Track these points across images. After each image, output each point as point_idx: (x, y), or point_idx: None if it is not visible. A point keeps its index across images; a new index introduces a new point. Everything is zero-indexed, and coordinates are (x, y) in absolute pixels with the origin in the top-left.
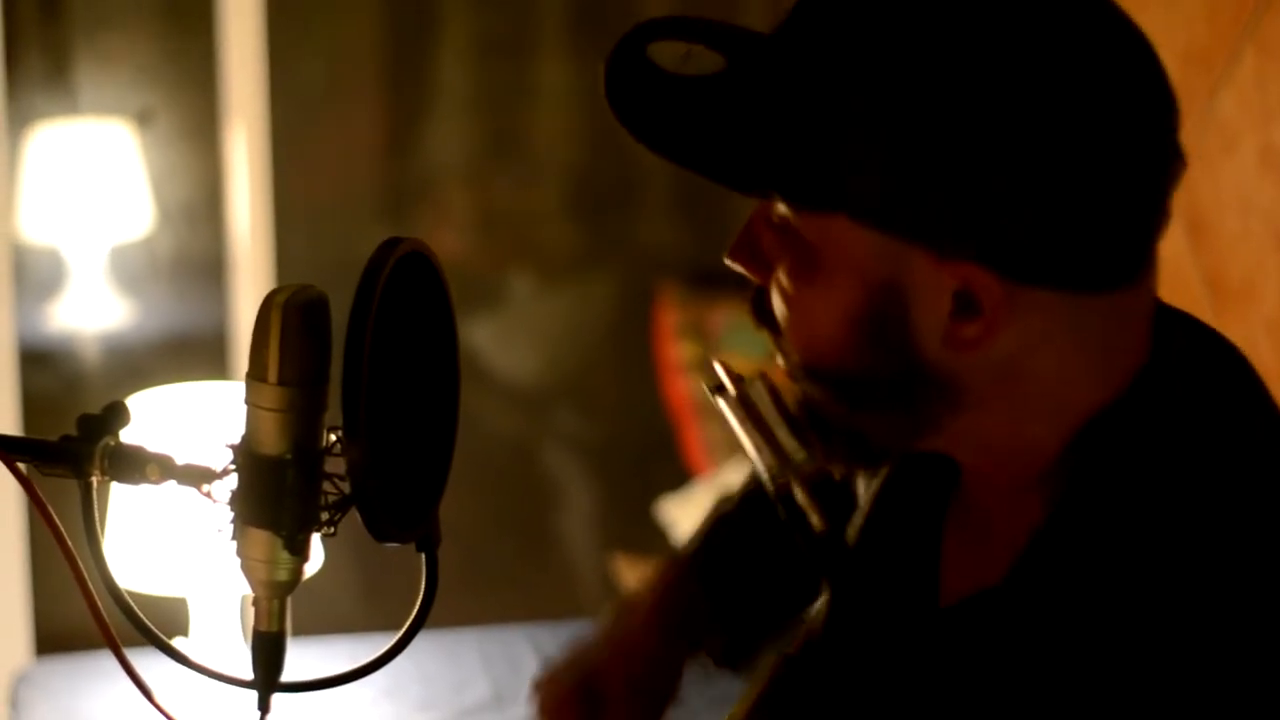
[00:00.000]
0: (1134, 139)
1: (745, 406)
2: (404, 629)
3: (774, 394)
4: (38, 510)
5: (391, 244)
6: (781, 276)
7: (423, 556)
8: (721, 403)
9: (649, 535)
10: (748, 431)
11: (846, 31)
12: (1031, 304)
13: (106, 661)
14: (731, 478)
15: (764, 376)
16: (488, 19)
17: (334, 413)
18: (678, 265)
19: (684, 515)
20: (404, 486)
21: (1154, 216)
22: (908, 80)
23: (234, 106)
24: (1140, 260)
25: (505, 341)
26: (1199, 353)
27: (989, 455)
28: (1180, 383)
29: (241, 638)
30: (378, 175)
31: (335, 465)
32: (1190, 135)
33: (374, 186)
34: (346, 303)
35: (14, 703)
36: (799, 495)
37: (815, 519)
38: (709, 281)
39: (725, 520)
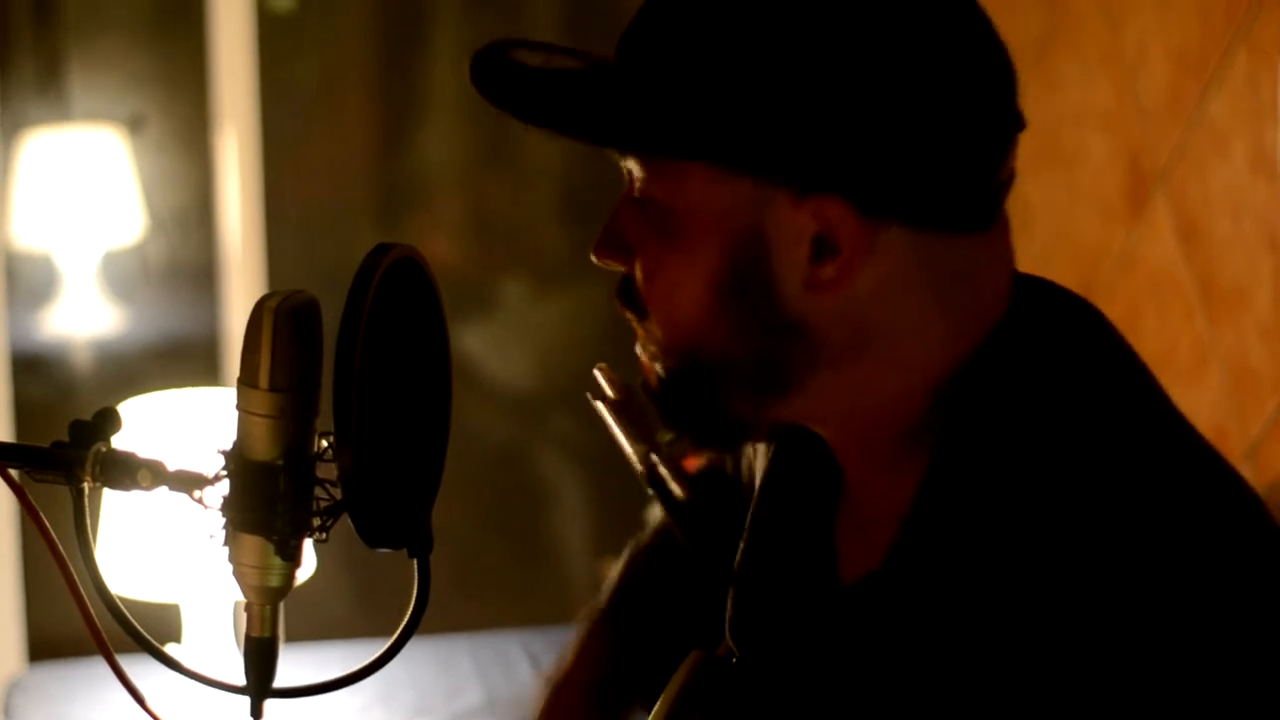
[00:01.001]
0: (977, 83)
1: (623, 409)
2: (396, 635)
3: (648, 391)
4: (30, 516)
5: (382, 250)
6: (644, 255)
7: (415, 562)
8: (600, 407)
9: None
10: (621, 429)
11: None
12: (885, 245)
13: (100, 668)
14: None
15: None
16: (479, 24)
17: (325, 418)
18: None
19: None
20: (396, 492)
21: (996, 163)
22: (756, 11)
23: (225, 112)
24: (987, 207)
25: (498, 347)
26: (1057, 310)
27: (853, 419)
28: (1038, 338)
29: (234, 643)
30: (370, 181)
31: (327, 471)
32: (1182, 137)
33: (366, 192)
34: (338, 309)
35: (7, 710)
36: (662, 470)
37: (676, 489)
38: None
39: (640, 556)
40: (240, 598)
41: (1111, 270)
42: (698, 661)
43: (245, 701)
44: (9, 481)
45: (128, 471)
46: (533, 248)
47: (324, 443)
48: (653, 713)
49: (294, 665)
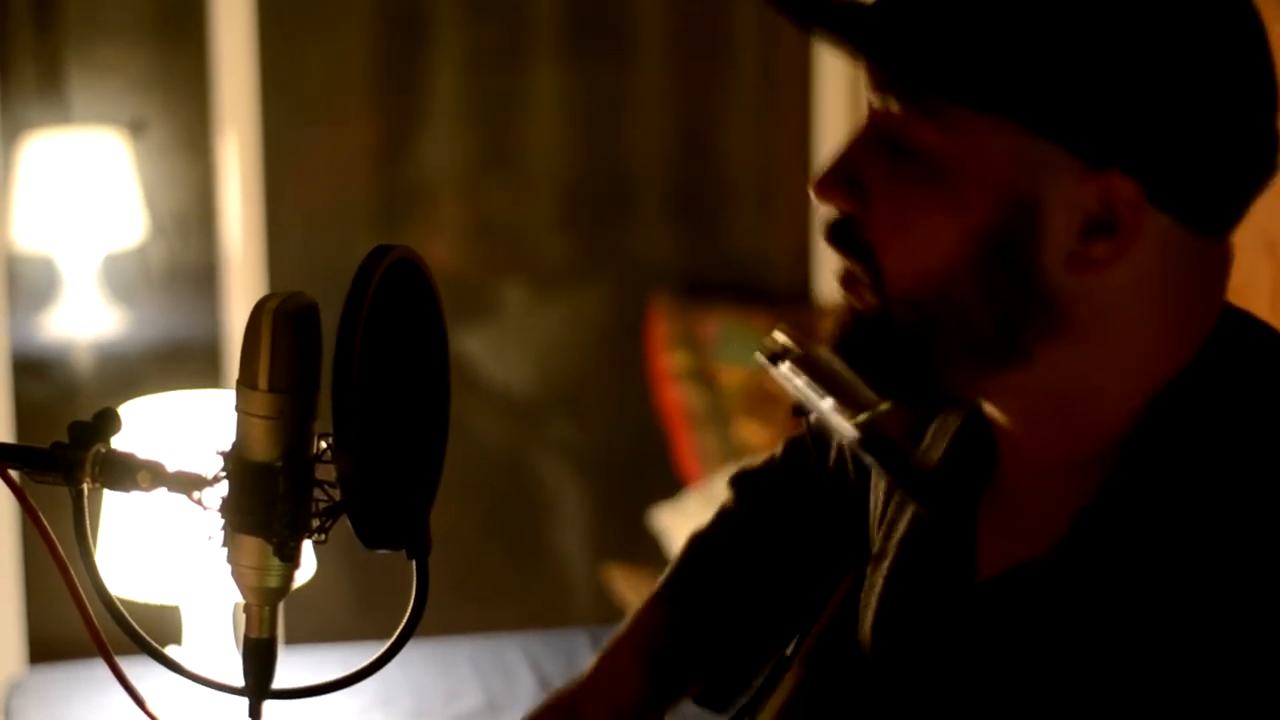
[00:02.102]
0: (1266, 92)
1: (812, 366)
2: (394, 636)
3: (838, 353)
4: (30, 517)
5: (381, 252)
6: (893, 200)
7: (413, 564)
8: (785, 368)
9: (641, 544)
10: (822, 388)
11: None
12: (1154, 233)
13: (100, 670)
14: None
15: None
16: (481, 29)
17: (324, 420)
18: (670, 275)
19: (676, 524)
20: (394, 494)
21: (1266, 166)
22: None
23: (226, 116)
24: (1242, 209)
25: (498, 351)
26: (1267, 339)
27: (1053, 412)
28: (1247, 366)
29: (235, 645)
30: (371, 185)
31: (326, 472)
32: None
33: (367, 196)
34: (339, 311)
35: (8, 712)
36: (891, 442)
37: (915, 457)
38: (701, 291)
39: (701, 542)
40: (239, 599)
41: None
42: (803, 675)
43: (244, 703)
44: (8, 482)
45: (127, 472)
46: (533, 252)
47: (323, 444)
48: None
49: (293, 667)
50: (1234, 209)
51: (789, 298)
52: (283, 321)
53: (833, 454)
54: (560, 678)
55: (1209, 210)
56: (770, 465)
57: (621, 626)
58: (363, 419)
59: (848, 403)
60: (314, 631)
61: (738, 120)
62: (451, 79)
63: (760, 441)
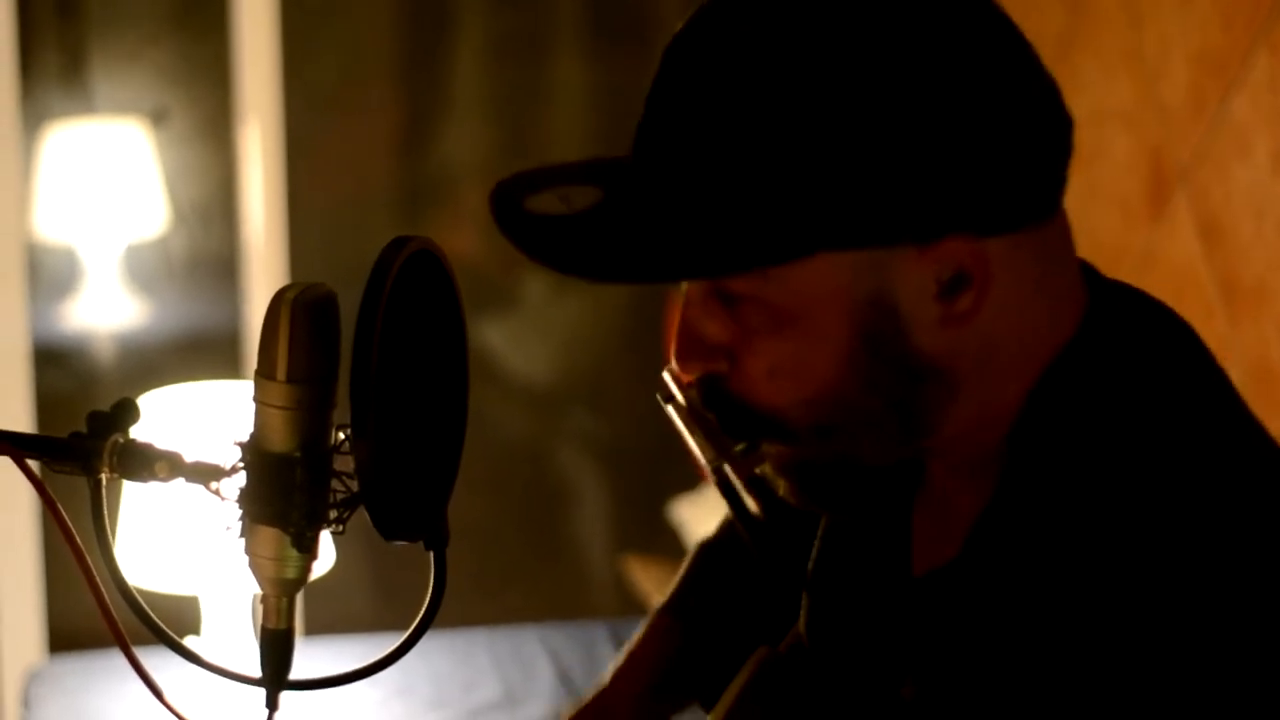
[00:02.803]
0: (1039, 83)
1: (692, 413)
2: (412, 628)
3: (712, 397)
4: (47, 507)
5: (400, 243)
6: (752, 353)
7: (431, 555)
8: (670, 410)
9: (660, 536)
10: (691, 432)
11: (733, 88)
12: (1000, 257)
13: (119, 660)
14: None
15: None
16: (503, 18)
17: (342, 410)
18: None
19: (695, 516)
20: (412, 485)
21: (1067, 154)
22: (829, 96)
23: (248, 106)
24: (1063, 185)
25: (518, 342)
26: (1142, 316)
27: (966, 434)
28: (1122, 343)
29: (254, 636)
30: (392, 175)
31: (344, 463)
32: (1203, 138)
33: (388, 186)
34: (358, 302)
35: (26, 701)
36: (736, 482)
37: (752, 504)
38: None
39: (708, 550)
40: (257, 590)
41: (1132, 269)
42: (763, 658)
43: (263, 693)
44: (27, 473)
45: (145, 463)
46: None
47: (341, 435)
48: (717, 706)
49: (313, 658)
50: (1056, 191)
51: None
52: (301, 312)
53: None
54: (578, 669)
55: (1035, 209)
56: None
57: (633, 639)
58: (381, 410)
59: (713, 444)
60: (334, 622)
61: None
62: (473, 69)
63: None
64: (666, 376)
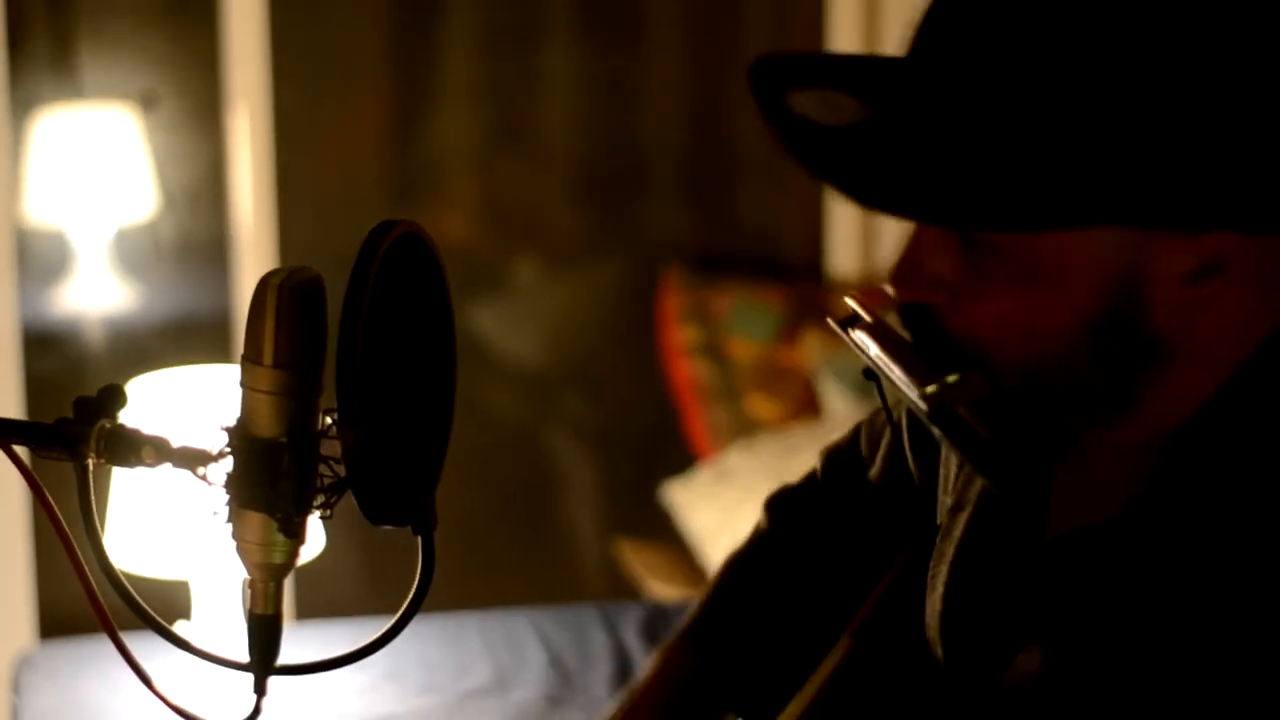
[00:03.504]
0: None
1: (883, 335)
2: (400, 612)
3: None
4: (34, 493)
5: (386, 227)
6: (982, 297)
7: (419, 540)
8: (860, 334)
9: (652, 519)
10: (896, 358)
11: (1039, 38)
12: (1249, 253)
13: (110, 645)
14: (734, 463)
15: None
16: (494, 5)
17: (330, 395)
18: (682, 251)
19: (687, 499)
20: (400, 470)
21: None
22: (1145, 70)
23: (238, 91)
24: None
25: (510, 327)
26: None
27: (1154, 411)
28: None
29: (243, 620)
30: (382, 160)
31: (331, 448)
32: None
33: (378, 172)
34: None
35: (17, 686)
36: (963, 411)
37: (982, 430)
38: (713, 266)
39: (734, 570)
40: (247, 575)
41: None
42: (851, 645)
43: (251, 678)
44: (14, 459)
45: (132, 448)
46: (545, 228)
47: (328, 420)
48: (799, 695)
49: (302, 643)
50: None
51: (801, 273)
52: (288, 297)
53: (879, 459)
54: (570, 653)
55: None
56: (811, 483)
57: (646, 670)
58: (367, 395)
59: (916, 373)
60: (323, 606)
61: (749, 96)
62: (464, 55)
63: (771, 416)
64: (851, 301)
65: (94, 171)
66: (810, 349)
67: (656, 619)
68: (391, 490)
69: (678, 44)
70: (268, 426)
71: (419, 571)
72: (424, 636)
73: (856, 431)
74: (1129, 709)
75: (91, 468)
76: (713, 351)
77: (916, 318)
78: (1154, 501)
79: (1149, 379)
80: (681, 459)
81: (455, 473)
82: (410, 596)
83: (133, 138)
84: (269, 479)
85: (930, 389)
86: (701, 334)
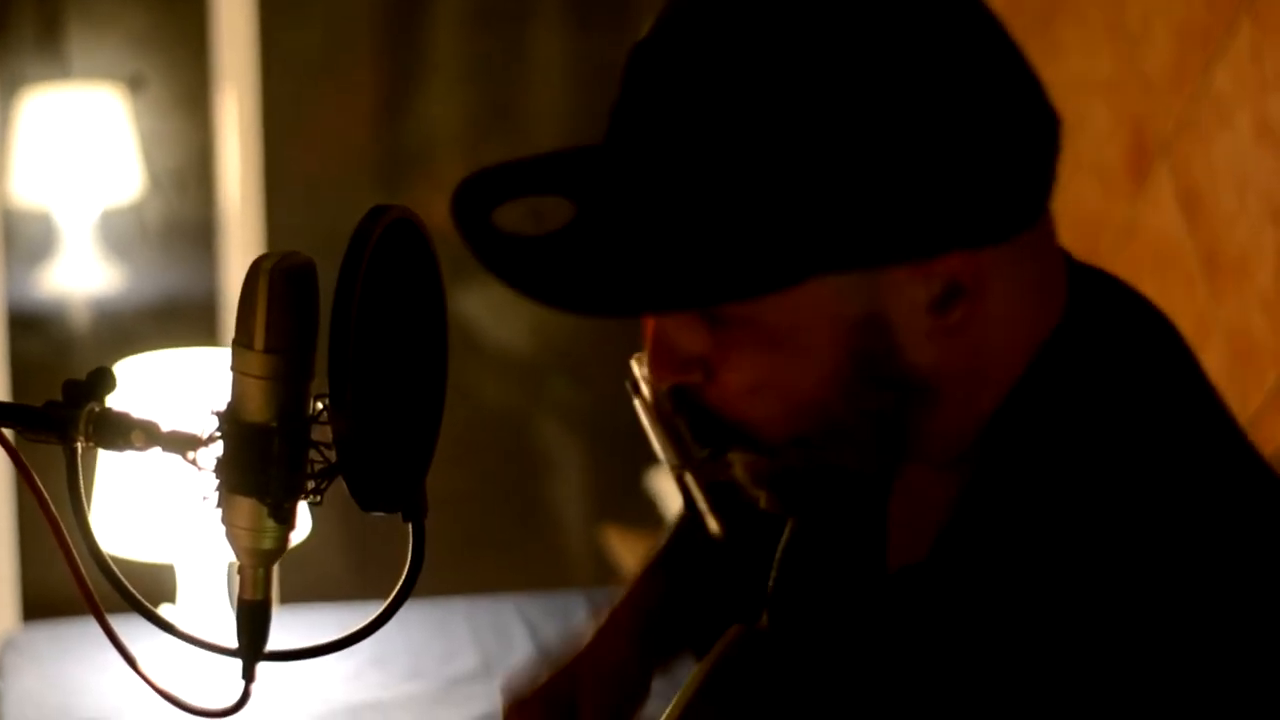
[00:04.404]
0: (1028, 85)
1: (658, 412)
2: (390, 599)
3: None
4: (22, 476)
5: (379, 212)
6: (733, 370)
7: (409, 526)
8: (637, 405)
9: (639, 506)
10: (656, 433)
11: (717, 106)
12: (991, 266)
13: (95, 628)
14: None
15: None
16: None
17: (320, 380)
18: None
19: (673, 487)
20: (391, 456)
21: (1055, 148)
22: (823, 116)
23: (226, 73)
24: (1051, 190)
25: (497, 311)
26: (1115, 301)
27: (940, 439)
28: (1098, 341)
29: (230, 605)
30: (371, 143)
31: (322, 433)
32: (1185, 108)
33: (367, 155)
34: (337, 271)
35: (1, 668)
36: (697, 497)
37: (713, 524)
38: None
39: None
40: (233, 559)
41: (1113, 240)
42: (737, 634)
43: (238, 664)
44: (2, 442)
45: (121, 432)
46: None
47: (319, 405)
48: (688, 680)
49: (288, 628)
50: (1048, 193)
51: None
52: (279, 281)
53: None
54: (557, 639)
55: (1029, 215)
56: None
57: (619, 592)
58: (360, 380)
59: (676, 449)
60: (309, 591)
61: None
62: (452, 38)
63: None
64: (635, 368)
65: (80, 152)
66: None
67: None
68: (383, 477)
69: None
70: (258, 411)
71: (409, 558)
72: (410, 622)
73: None
74: None
75: (80, 451)
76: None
77: (682, 398)
78: (957, 532)
79: (922, 415)
80: None
81: (442, 458)
82: (400, 583)
83: (119, 119)
84: (259, 464)
85: (678, 468)
86: None
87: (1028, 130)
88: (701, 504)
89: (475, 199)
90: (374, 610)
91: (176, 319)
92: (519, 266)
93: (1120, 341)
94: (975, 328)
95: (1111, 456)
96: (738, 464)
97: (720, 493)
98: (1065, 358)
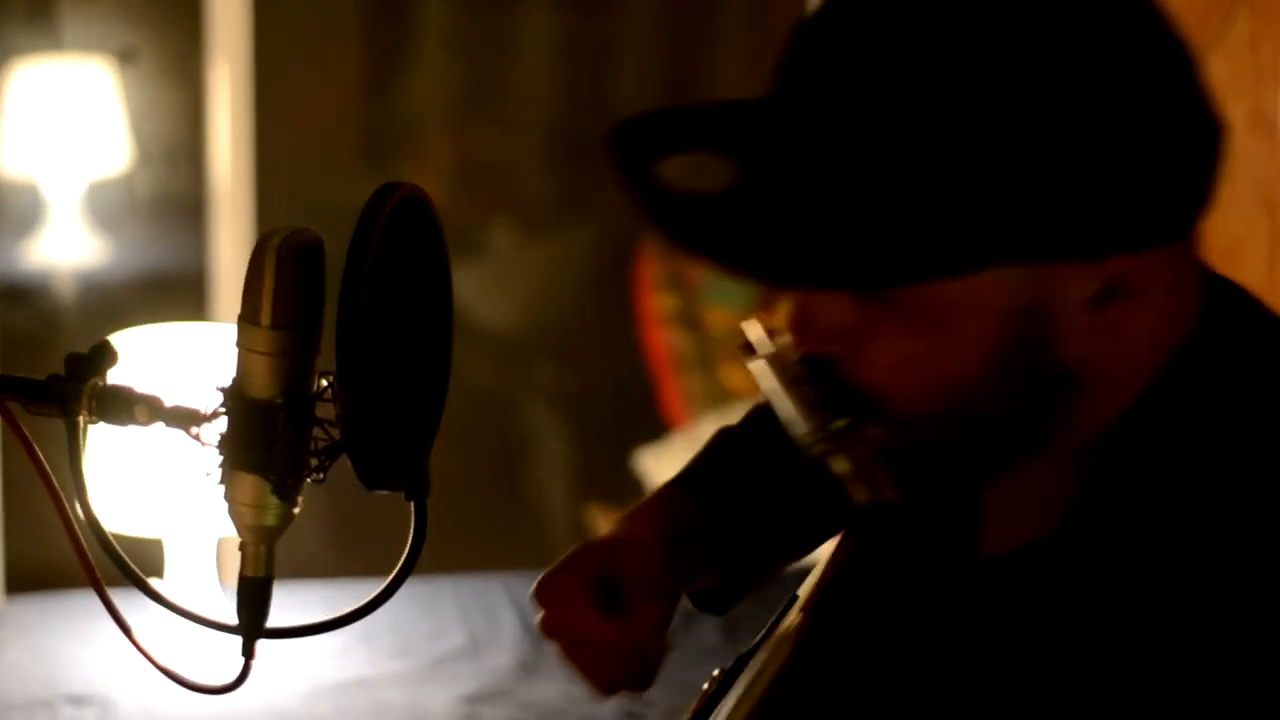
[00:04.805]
0: (1198, 80)
1: (783, 367)
2: (391, 576)
3: (808, 362)
4: (24, 449)
5: (388, 189)
6: (883, 347)
7: (412, 505)
8: (758, 365)
9: (625, 487)
10: (787, 393)
11: (904, 85)
12: (1151, 269)
13: (78, 601)
14: (708, 431)
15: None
16: None
17: (325, 358)
18: None
19: (659, 466)
20: (395, 434)
21: (1222, 153)
22: (1017, 105)
23: (218, 47)
24: (1213, 196)
25: (485, 291)
26: (1248, 317)
27: (1069, 430)
28: (1233, 348)
29: (216, 580)
30: (360, 119)
31: (325, 411)
32: None
33: (356, 131)
34: (330, 246)
35: None
36: (842, 466)
37: (861, 491)
38: None
39: (728, 438)
40: (223, 535)
41: None
42: (805, 625)
43: (225, 638)
44: (6, 414)
45: (124, 406)
46: (522, 193)
47: (324, 382)
48: (754, 672)
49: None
50: (1211, 199)
51: None
52: (287, 258)
53: None
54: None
55: (1191, 221)
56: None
57: (643, 502)
58: (367, 359)
59: (804, 415)
60: (289, 567)
61: (726, 61)
62: (442, 14)
63: (746, 386)
64: (751, 331)
65: (70, 124)
66: (786, 318)
67: None
68: (387, 455)
69: (655, 8)
70: (264, 388)
71: (411, 537)
72: (397, 600)
73: None
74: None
75: (83, 425)
76: (690, 320)
77: (817, 366)
78: (1084, 516)
79: (1067, 404)
80: (656, 426)
81: None
82: (403, 560)
83: (109, 91)
84: (264, 440)
85: (808, 434)
86: (679, 302)
87: (1201, 136)
88: (851, 471)
89: (635, 147)
90: (357, 587)
91: (165, 293)
92: (683, 223)
93: (1253, 349)
94: (1126, 327)
95: (1247, 458)
96: (867, 438)
97: (870, 461)
98: (1202, 362)
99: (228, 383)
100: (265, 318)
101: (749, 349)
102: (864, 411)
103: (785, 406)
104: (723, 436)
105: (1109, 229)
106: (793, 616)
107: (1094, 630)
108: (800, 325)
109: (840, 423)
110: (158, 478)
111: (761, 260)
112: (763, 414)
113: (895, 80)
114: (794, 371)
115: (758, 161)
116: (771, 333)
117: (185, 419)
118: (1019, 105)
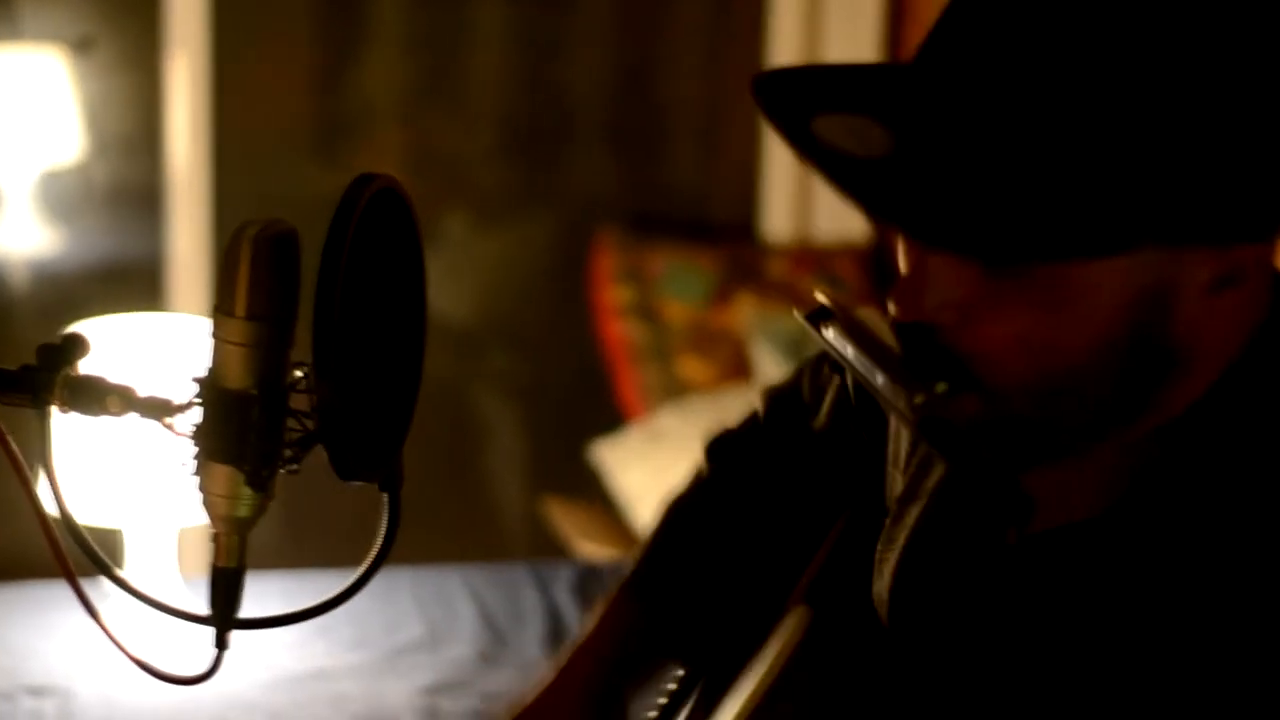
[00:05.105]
0: None
1: (862, 335)
2: (364, 567)
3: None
4: None
5: (365, 180)
6: (1000, 321)
7: (385, 496)
8: (832, 334)
9: (580, 478)
10: (874, 361)
11: (1071, 68)
12: (1263, 259)
13: (36, 591)
14: (665, 423)
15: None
16: None
17: (299, 349)
18: (614, 209)
19: (615, 458)
20: (370, 425)
21: None
22: (1181, 89)
23: (175, 37)
24: None
25: (438, 282)
26: None
27: (1161, 410)
28: None
29: (177, 572)
30: (317, 110)
31: (299, 402)
32: None
33: (313, 121)
34: (315, 239)
35: None
36: (952, 428)
37: (971, 448)
38: (647, 227)
39: (676, 515)
40: (183, 526)
41: None
42: (807, 621)
43: (186, 628)
44: None
45: (96, 397)
46: (476, 183)
47: (298, 373)
48: (761, 673)
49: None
50: None
51: (734, 235)
52: (262, 249)
53: (825, 410)
54: (501, 610)
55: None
56: (753, 426)
57: (589, 623)
58: (342, 350)
59: (903, 382)
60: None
61: (684, 54)
62: (397, 6)
63: (702, 378)
64: (822, 296)
65: (24, 113)
66: (742, 311)
67: (588, 578)
68: (362, 446)
69: (609, 1)
70: (238, 378)
71: (384, 528)
72: None
73: (799, 375)
74: (1118, 704)
75: (53, 415)
76: (645, 312)
77: (912, 333)
78: (1142, 500)
79: (1160, 388)
80: (611, 418)
81: None
82: (375, 551)
83: (64, 81)
84: (238, 431)
85: (919, 399)
86: (634, 294)
87: None
88: (948, 431)
89: (790, 103)
90: (313, 578)
91: (121, 283)
92: (844, 178)
93: None
94: (1233, 313)
95: None
96: (962, 408)
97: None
98: (1276, 348)
99: (202, 373)
100: (240, 309)
101: (822, 315)
102: (961, 382)
103: (878, 375)
104: (674, 513)
105: (1241, 217)
106: (791, 614)
107: (1153, 605)
108: (916, 294)
109: (942, 386)
110: (118, 468)
111: (918, 220)
112: (705, 487)
113: (1060, 63)
114: (875, 339)
115: (915, 135)
116: (841, 304)
117: (159, 409)
118: (1179, 91)
